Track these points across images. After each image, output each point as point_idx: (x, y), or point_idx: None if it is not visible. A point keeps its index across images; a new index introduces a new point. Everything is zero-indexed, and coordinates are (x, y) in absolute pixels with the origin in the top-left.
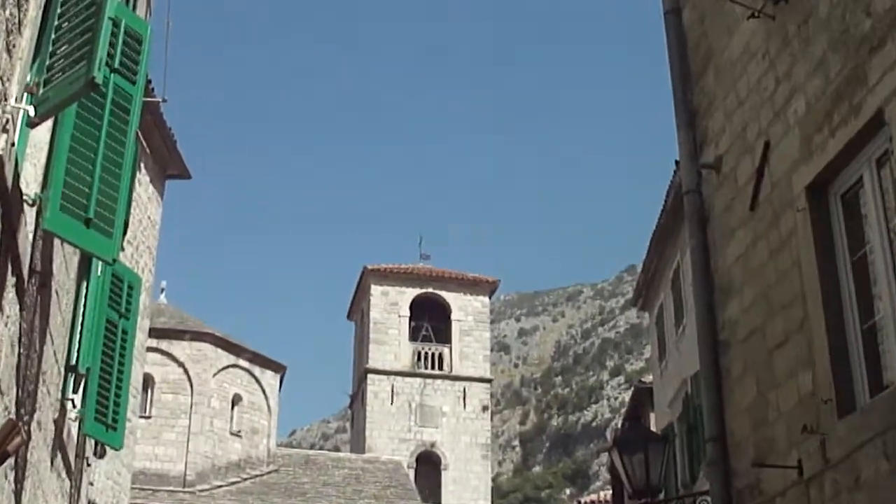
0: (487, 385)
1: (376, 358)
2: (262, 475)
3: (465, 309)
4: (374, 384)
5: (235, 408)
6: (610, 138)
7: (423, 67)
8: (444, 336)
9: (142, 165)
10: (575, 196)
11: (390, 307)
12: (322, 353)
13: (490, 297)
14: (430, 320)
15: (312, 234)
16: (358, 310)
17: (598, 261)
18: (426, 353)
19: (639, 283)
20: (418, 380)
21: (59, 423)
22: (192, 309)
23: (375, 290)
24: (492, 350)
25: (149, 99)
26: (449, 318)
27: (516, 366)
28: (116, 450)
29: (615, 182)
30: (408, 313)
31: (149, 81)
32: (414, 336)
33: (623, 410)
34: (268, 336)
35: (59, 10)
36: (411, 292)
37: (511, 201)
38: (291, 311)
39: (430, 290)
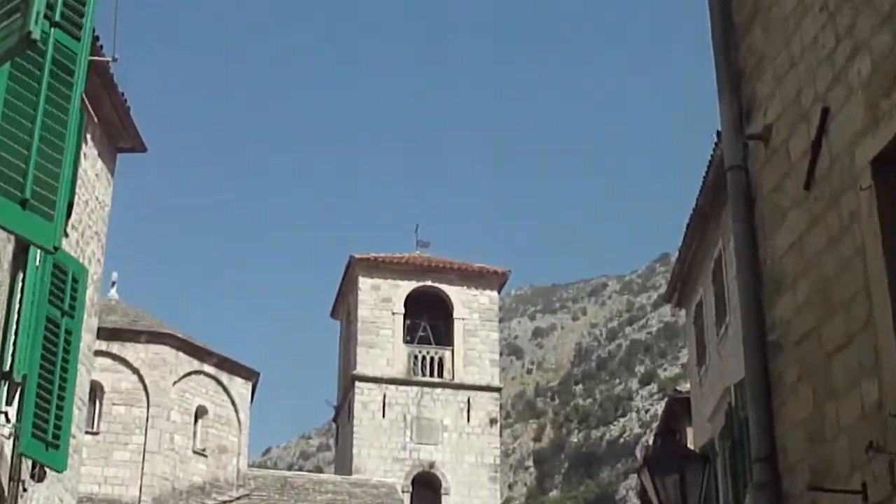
0: (496, 394)
1: (365, 363)
2: (230, 501)
3: (470, 305)
4: (363, 394)
5: (199, 421)
6: (638, 107)
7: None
8: (444, 337)
9: (88, 137)
10: (598, 174)
11: (382, 303)
12: (302, 358)
13: (499, 292)
14: (429, 319)
15: (291, 220)
16: (344, 307)
17: (626, 249)
18: (424, 357)
19: (673, 275)
20: (415, 388)
21: None
22: (149, 306)
23: (364, 283)
24: (501, 354)
25: (96, 58)
26: (451, 316)
27: (530, 372)
28: (58, 472)
29: (646, 158)
30: (402, 310)
31: (96, 38)
32: (410, 337)
33: (655, 425)
34: (238, 338)
35: None
36: (406, 286)
37: (523, 181)
38: (266, 309)
39: (429, 283)
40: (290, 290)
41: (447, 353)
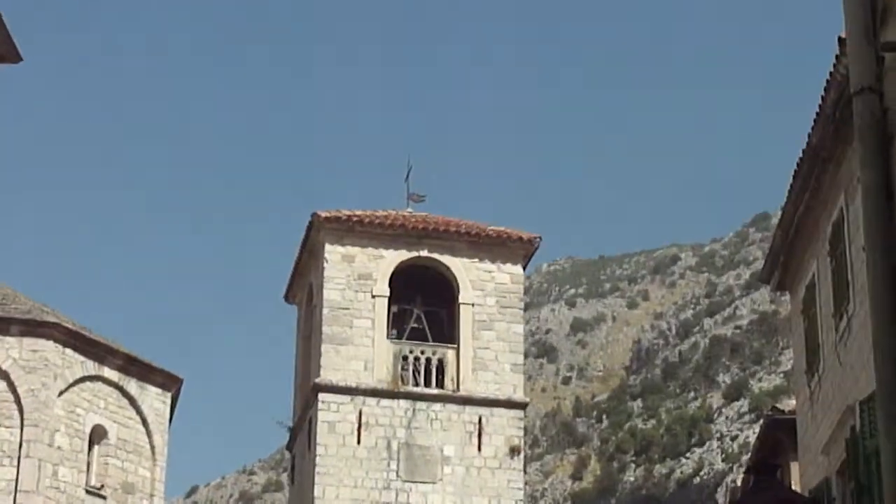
0: (519, 413)
1: (333, 366)
2: None
3: (484, 286)
4: (330, 410)
5: (96, 448)
6: (722, 13)
7: None
8: (446, 331)
9: None
10: (663, 105)
11: (357, 282)
12: (244, 360)
13: (525, 267)
14: (425, 304)
15: (230, 167)
16: (303, 287)
17: (705, 209)
18: (417, 359)
19: (773, 246)
20: (403, 403)
21: None
22: (28, 286)
23: (332, 252)
24: (527, 355)
25: None
26: (455, 300)
27: (567, 382)
28: None
29: (732, 79)
30: (386, 292)
31: None
32: (397, 330)
33: (746, 458)
34: (153, 332)
35: None
36: (393, 257)
37: (559, 114)
38: (193, 293)
39: (425, 253)
40: (229, 264)
41: (450, 354)
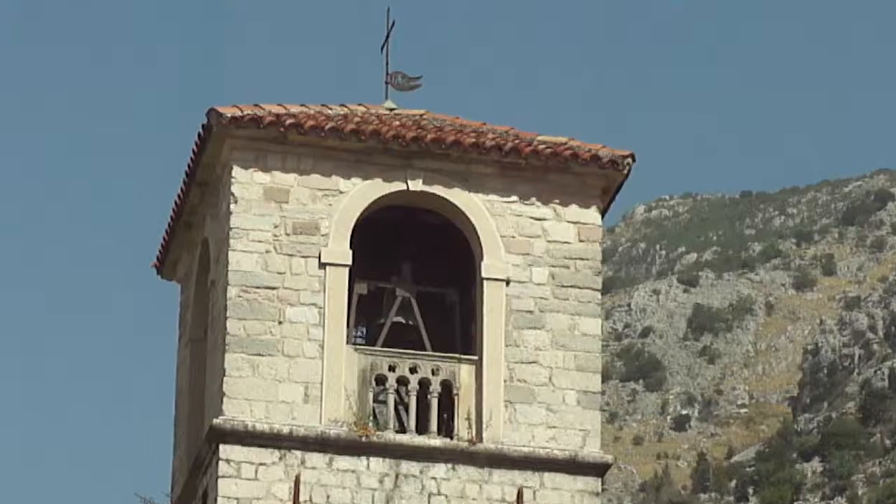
0: (594, 482)
1: (246, 394)
2: None
3: (528, 246)
4: (241, 474)
5: None
6: None
7: None
8: (457, 330)
9: None
10: None
11: (292, 239)
12: (87, 383)
13: (605, 211)
14: (418, 279)
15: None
16: (190, 248)
17: None
18: (403, 383)
19: None
20: (378, 463)
21: None
22: None
23: (245, 183)
24: (609, 376)
25: None
26: (474, 272)
27: (682, 425)
28: None
29: None
30: (347, 257)
31: None
32: (366, 329)
33: None
34: None
35: None
36: (359, 192)
37: None
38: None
39: (419, 184)
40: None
41: (464, 373)
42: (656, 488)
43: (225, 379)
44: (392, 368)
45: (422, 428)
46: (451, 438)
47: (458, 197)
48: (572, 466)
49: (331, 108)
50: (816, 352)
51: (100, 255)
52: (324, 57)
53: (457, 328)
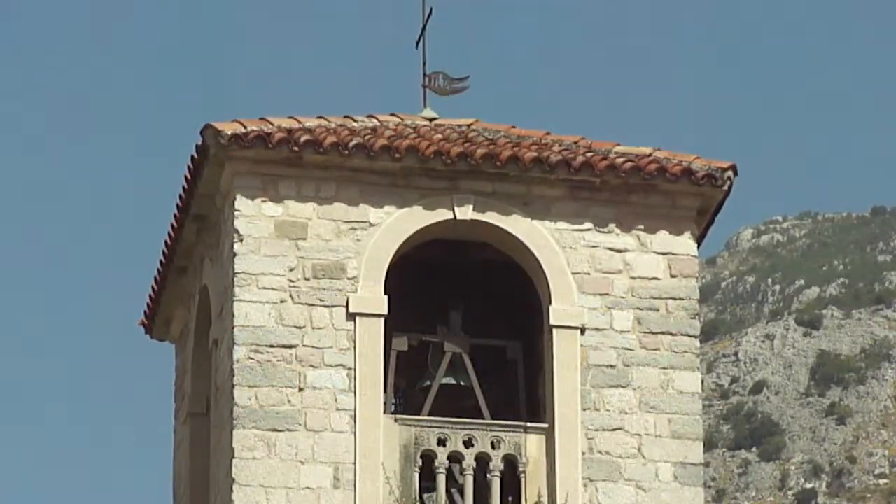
0: None
1: (261, 479)
2: None
3: (607, 285)
4: None
5: None
6: None
7: None
8: (522, 392)
9: None
10: None
11: (311, 284)
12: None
13: (702, 238)
14: (471, 330)
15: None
16: (184, 299)
17: None
18: (457, 460)
19: None
20: None
21: None
22: None
23: (251, 216)
24: (712, 444)
25: None
26: (542, 320)
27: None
28: None
29: None
30: (382, 305)
31: None
32: (406, 397)
33: None
34: None
35: None
36: (394, 224)
37: None
38: None
39: (469, 211)
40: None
41: (532, 445)
42: None
43: (234, 461)
44: (442, 442)
45: None
46: None
47: (518, 226)
48: None
49: (356, 120)
50: None
51: (75, 312)
52: (346, 57)
53: (521, 390)
